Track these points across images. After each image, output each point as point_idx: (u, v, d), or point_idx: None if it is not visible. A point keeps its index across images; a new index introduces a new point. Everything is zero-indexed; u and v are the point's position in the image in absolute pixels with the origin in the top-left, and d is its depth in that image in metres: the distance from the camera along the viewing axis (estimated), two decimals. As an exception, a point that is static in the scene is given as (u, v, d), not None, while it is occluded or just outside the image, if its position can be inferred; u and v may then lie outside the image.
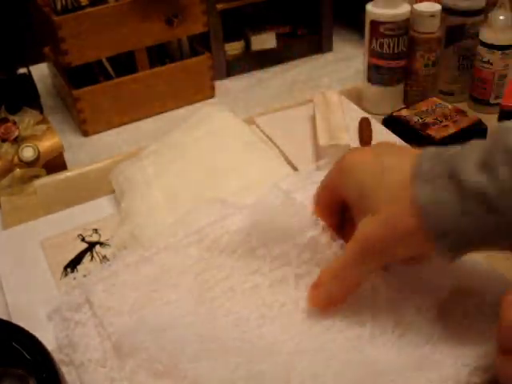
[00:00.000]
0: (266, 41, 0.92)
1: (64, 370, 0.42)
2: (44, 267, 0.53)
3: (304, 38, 0.95)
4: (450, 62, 0.76)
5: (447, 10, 0.73)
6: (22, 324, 0.42)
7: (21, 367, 0.39)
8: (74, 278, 0.52)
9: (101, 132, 0.80)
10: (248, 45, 0.92)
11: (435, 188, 0.35)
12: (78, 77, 0.78)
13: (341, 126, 0.64)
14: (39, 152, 0.66)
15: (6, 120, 0.67)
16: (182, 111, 0.84)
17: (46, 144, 0.67)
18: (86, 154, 0.76)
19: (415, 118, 0.70)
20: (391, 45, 0.71)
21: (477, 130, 0.70)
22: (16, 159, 0.65)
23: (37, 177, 0.66)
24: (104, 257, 0.54)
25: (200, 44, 0.86)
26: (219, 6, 0.85)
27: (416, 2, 0.74)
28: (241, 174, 0.57)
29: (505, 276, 0.45)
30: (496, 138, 0.35)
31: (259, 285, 0.46)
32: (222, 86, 0.90)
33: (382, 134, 0.69)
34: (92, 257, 0.54)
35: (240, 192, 0.54)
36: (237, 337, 0.42)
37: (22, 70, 0.77)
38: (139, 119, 0.82)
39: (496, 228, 0.34)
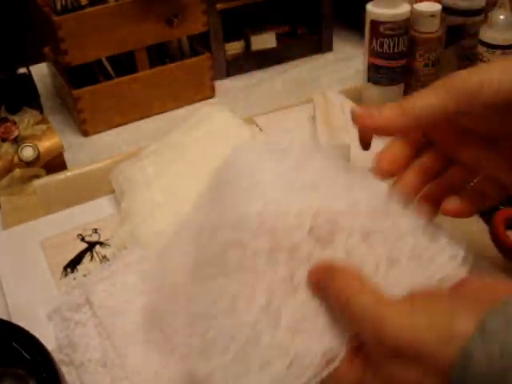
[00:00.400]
0: (266, 41, 0.92)
1: (64, 370, 0.42)
2: (44, 267, 0.53)
3: (304, 37, 0.95)
4: (450, 62, 0.76)
5: (447, 10, 0.73)
6: (21, 324, 0.42)
7: (21, 367, 0.39)
8: (74, 279, 0.52)
9: (101, 132, 0.80)
10: (248, 45, 0.92)
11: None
12: (77, 77, 0.78)
13: (341, 125, 0.64)
14: (39, 152, 0.66)
15: (5, 120, 0.67)
16: (182, 111, 0.84)
17: (46, 144, 0.67)
18: (86, 153, 0.76)
19: (415, 118, 0.70)
20: (391, 45, 0.71)
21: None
22: (16, 159, 0.65)
23: (37, 177, 0.66)
24: (104, 257, 0.54)
25: (200, 44, 0.86)
26: (219, 6, 0.85)
27: (416, 2, 0.74)
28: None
29: None
30: None
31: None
32: (222, 85, 0.90)
33: (382, 133, 0.69)
34: (92, 257, 0.54)
35: None
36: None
37: (22, 70, 0.77)
38: (139, 119, 0.82)
39: None
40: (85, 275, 0.52)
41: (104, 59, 0.79)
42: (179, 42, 0.85)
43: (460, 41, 0.74)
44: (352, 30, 1.03)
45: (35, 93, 0.78)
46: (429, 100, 0.38)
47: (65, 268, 0.53)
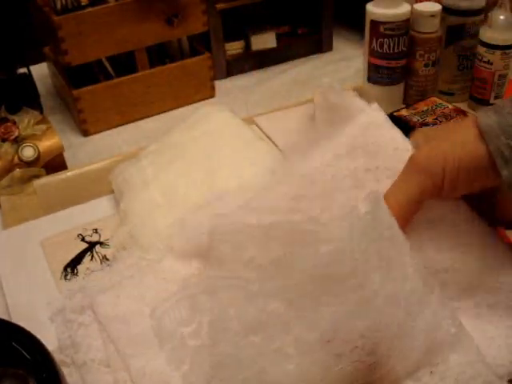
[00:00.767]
0: (266, 40, 0.92)
1: (65, 371, 0.42)
2: (44, 267, 0.53)
3: (304, 37, 0.95)
4: (450, 62, 0.76)
5: (447, 10, 0.73)
6: (22, 324, 0.42)
7: (21, 367, 0.39)
8: (76, 275, 0.52)
9: (101, 132, 0.80)
10: (248, 44, 0.92)
11: (501, 117, 0.37)
12: (77, 76, 0.78)
13: (341, 125, 0.64)
14: (39, 152, 0.66)
15: (5, 120, 0.67)
16: (182, 111, 0.84)
17: (46, 144, 0.67)
18: (86, 153, 0.76)
19: (415, 118, 0.70)
20: (391, 44, 0.71)
21: (477, 130, 0.70)
22: (16, 159, 0.65)
23: (37, 177, 0.66)
24: (104, 257, 0.54)
25: (200, 44, 0.86)
26: (219, 6, 0.85)
27: (416, 2, 0.74)
28: (240, 174, 0.57)
29: None
30: None
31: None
32: (222, 85, 0.90)
33: (382, 133, 0.69)
34: (92, 257, 0.54)
35: (239, 191, 0.54)
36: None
37: (22, 70, 0.77)
38: (139, 119, 0.82)
39: None
40: (85, 275, 0.52)
41: (104, 59, 0.79)
42: (179, 42, 0.85)
43: (460, 41, 0.74)
44: (352, 30, 1.03)
45: (35, 93, 0.78)
46: (408, 190, 0.41)
47: (65, 268, 0.53)
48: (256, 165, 0.59)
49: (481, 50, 0.71)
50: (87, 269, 0.53)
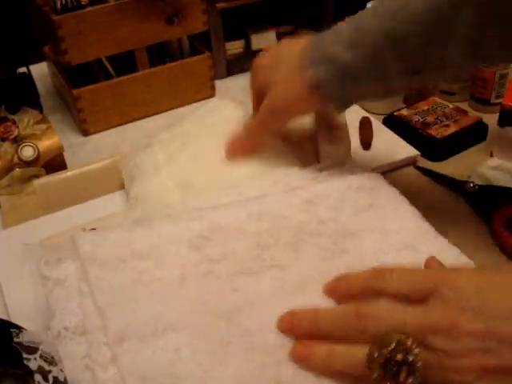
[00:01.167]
0: (266, 40, 0.92)
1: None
2: (44, 267, 0.53)
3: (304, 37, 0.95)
4: (451, 62, 0.76)
5: (448, 9, 0.73)
6: (21, 324, 0.42)
7: (21, 367, 0.39)
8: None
9: (101, 132, 0.80)
10: (248, 44, 0.92)
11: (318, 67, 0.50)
12: (77, 76, 0.78)
13: (341, 125, 0.64)
14: (39, 151, 0.66)
15: (5, 119, 0.66)
16: (182, 110, 0.84)
17: (46, 143, 0.67)
18: (86, 153, 0.76)
19: (416, 118, 0.70)
20: (392, 44, 0.71)
21: (477, 130, 0.70)
22: (16, 159, 0.65)
23: (36, 176, 0.66)
24: (104, 256, 0.54)
25: (200, 43, 0.86)
26: (219, 5, 0.85)
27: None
28: (250, 162, 0.58)
29: None
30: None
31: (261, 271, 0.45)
32: (223, 85, 0.90)
33: (382, 133, 0.69)
34: (92, 256, 0.54)
35: (248, 180, 0.55)
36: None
37: (22, 70, 0.77)
38: (139, 119, 0.82)
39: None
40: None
41: (104, 58, 0.79)
42: (179, 42, 0.85)
43: (461, 40, 0.74)
44: (352, 29, 1.02)
45: (35, 92, 0.78)
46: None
47: (65, 268, 0.53)
48: (264, 153, 0.59)
49: (481, 49, 0.71)
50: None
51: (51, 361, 0.38)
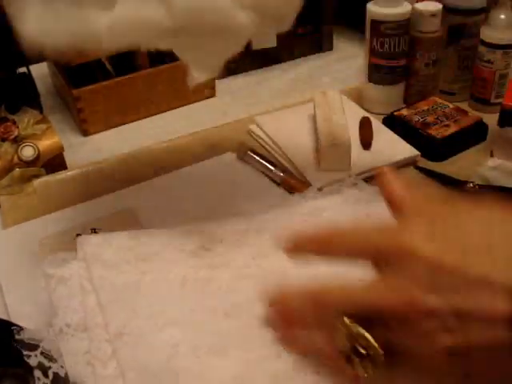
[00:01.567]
0: (266, 40, 0.92)
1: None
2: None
3: (304, 37, 0.95)
4: (451, 62, 0.76)
5: (448, 9, 0.73)
6: (21, 324, 0.42)
7: (21, 367, 0.39)
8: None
9: (101, 132, 0.80)
10: (248, 44, 0.91)
11: None
12: (77, 76, 0.78)
13: (341, 125, 0.64)
14: (39, 151, 0.66)
15: (5, 119, 0.66)
16: (182, 110, 0.84)
17: (46, 143, 0.67)
18: (86, 153, 0.76)
19: (416, 118, 0.70)
20: (392, 44, 0.71)
21: (478, 130, 0.70)
22: (16, 158, 0.65)
23: (36, 176, 0.66)
24: (104, 256, 0.54)
25: (200, 43, 0.86)
26: (219, 5, 0.85)
27: (417, 1, 0.74)
28: None
29: None
30: None
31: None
32: (223, 85, 0.90)
33: (382, 133, 0.69)
34: (92, 256, 0.54)
35: None
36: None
37: (22, 70, 0.77)
38: (139, 119, 0.82)
39: None
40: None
41: (104, 58, 0.79)
42: (179, 42, 0.85)
43: (460, 40, 0.74)
44: (352, 29, 1.03)
45: (35, 92, 0.78)
46: None
47: (65, 268, 0.53)
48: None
49: (481, 49, 0.71)
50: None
51: (51, 357, 0.38)
